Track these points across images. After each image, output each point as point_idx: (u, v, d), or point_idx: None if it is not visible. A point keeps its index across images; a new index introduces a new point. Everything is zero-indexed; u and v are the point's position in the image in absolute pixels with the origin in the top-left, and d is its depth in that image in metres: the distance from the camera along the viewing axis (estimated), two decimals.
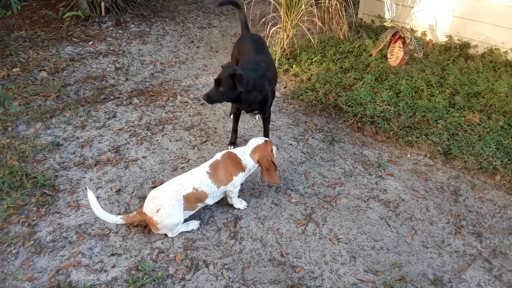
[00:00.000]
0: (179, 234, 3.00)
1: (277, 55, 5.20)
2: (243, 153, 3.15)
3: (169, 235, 2.97)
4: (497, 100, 4.28)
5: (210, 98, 3.25)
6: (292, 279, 2.74)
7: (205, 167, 3.05)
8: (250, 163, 3.15)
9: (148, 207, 2.86)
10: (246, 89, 3.25)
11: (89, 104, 4.45)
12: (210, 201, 3.06)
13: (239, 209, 3.24)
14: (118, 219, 2.87)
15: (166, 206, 2.83)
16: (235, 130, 3.91)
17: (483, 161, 3.64)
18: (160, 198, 2.85)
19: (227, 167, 3.06)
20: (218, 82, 3.20)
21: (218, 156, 3.13)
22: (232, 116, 3.94)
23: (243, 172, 3.13)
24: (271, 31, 5.25)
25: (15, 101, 4.36)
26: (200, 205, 3.05)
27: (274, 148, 3.30)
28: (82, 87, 4.74)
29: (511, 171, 3.53)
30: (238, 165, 3.09)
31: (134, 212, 2.93)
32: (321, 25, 5.49)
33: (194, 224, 3.06)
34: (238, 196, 3.25)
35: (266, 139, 3.28)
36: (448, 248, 3.01)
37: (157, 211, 2.82)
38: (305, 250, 2.95)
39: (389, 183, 3.58)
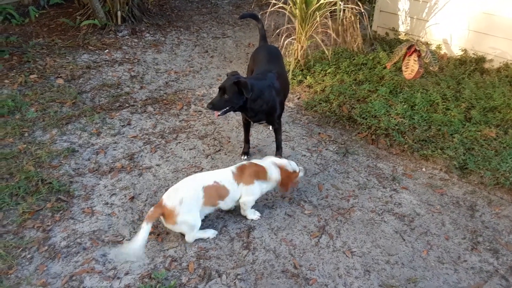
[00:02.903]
0: (193, 241, 2.99)
1: (291, 66, 5.21)
2: (271, 165, 3.16)
3: (186, 238, 2.96)
4: None
5: (215, 106, 3.25)
6: None
7: (231, 167, 3.10)
8: (274, 177, 3.14)
9: (170, 199, 2.84)
10: (250, 97, 3.26)
11: (105, 111, 4.49)
12: (228, 201, 3.04)
13: (252, 219, 3.23)
14: (145, 226, 2.72)
15: (187, 197, 2.82)
16: (247, 140, 3.91)
17: (500, 176, 3.59)
18: (182, 190, 2.87)
19: (252, 172, 3.08)
20: (223, 89, 3.22)
21: (245, 162, 3.18)
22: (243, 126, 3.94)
23: (264, 182, 3.12)
24: (285, 42, 5.27)
25: (32, 107, 4.42)
26: (221, 203, 3.02)
27: (302, 171, 3.32)
28: (98, 94, 4.80)
29: None
30: (262, 173, 3.11)
31: (152, 209, 2.84)
32: (335, 37, 5.50)
33: (211, 232, 3.06)
34: (252, 207, 3.24)
35: (295, 169, 3.24)
36: (464, 264, 2.96)
37: (180, 202, 2.81)
38: (318, 263, 2.92)
39: (403, 197, 3.54)
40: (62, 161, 3.72)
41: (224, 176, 3.01)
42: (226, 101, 3.24)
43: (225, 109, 3.27)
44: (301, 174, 3.32)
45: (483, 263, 2.97)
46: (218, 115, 3.29)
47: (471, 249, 3.08)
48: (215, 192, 2.94)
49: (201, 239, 3.02)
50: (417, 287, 2.77)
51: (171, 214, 2.82)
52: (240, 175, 3.05)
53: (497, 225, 3.29)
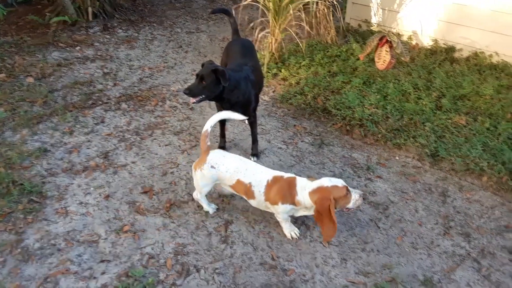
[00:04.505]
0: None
1: (265, 59, 5.22)
2: (303, 188, 2.81)
3: (194, 194, 3.22)
4: (483, 102, 4.35)
5: (192, 92, 3.23)
6: (283, 283, 2.74)
7: (271, 174, 2.92)
8: (305, 202, 2.80)
9: (216, 155, 3.00)
10: (227, 87, 3.26)
11: (77, 109, 4.41)
12: (253, 203, 3.01)
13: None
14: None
15: (222, 171, 2.96)
16: (223, 135, 3.92)
17: (470, 162, 3.69)
18: (229, 161, 2.98)
19: (280, 191, 2.85)
20: (201, 76, 3.21)
21: (285, 174, 2.93)
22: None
23: (292, 206, 2.88)
24: (259, 35, 5.27)
25: (1, 107, 4.30)
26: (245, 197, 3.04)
27: (356, 195, 2.80)
28: (70, 92, 4.70)
29: (497, 172, 3.58)
30: (289, 197, 2.84)
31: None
32: (309, 29, 5.52)
33: (212, 208, 3.22)
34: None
35: (337, 184, 2.76)
36: (437, 249, 3.04)
37: (218, 165, 2.96)
38: (296, 253, 2.95)
39: (378, 186, 3.60)
40: (33, 162, 3.64)
41: (260, 183, 2.89)
42: (203, 88, 3.22)
43: (201, 97, 3.25)
44: (355, 197, 2.81)
45: (455, 247, 3.06)
46: (193, 102, 3.27)
47: (443, 234, 3.16)
48: (243, 188, 2.95)
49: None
50: (392, 273, 2.83)
51: (203, 162, 2.99)
52: (269, 190, 2.88)
53: (468, 209, 3.39)
